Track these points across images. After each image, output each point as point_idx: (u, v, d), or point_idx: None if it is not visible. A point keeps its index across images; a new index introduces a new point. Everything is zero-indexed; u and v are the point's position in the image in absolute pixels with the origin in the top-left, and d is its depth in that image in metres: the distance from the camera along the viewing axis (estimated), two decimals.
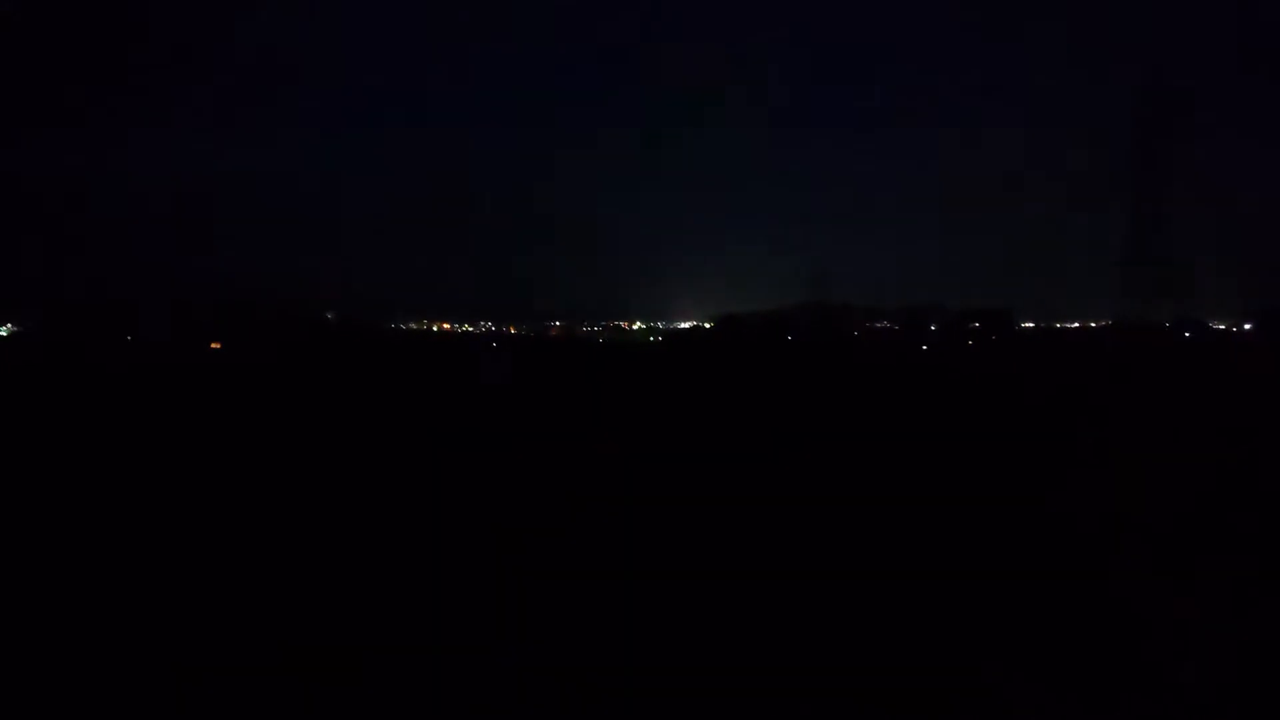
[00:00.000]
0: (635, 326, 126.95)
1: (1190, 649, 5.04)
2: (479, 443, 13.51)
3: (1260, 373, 31.11)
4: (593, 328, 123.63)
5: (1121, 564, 6.81)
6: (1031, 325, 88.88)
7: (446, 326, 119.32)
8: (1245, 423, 16.19)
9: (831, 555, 7.06)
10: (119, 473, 10.54)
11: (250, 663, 4.86)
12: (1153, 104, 66.59)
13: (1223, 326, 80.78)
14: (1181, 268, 65.21)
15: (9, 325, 72.72)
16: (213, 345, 56.82)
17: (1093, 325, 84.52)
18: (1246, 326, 78.52)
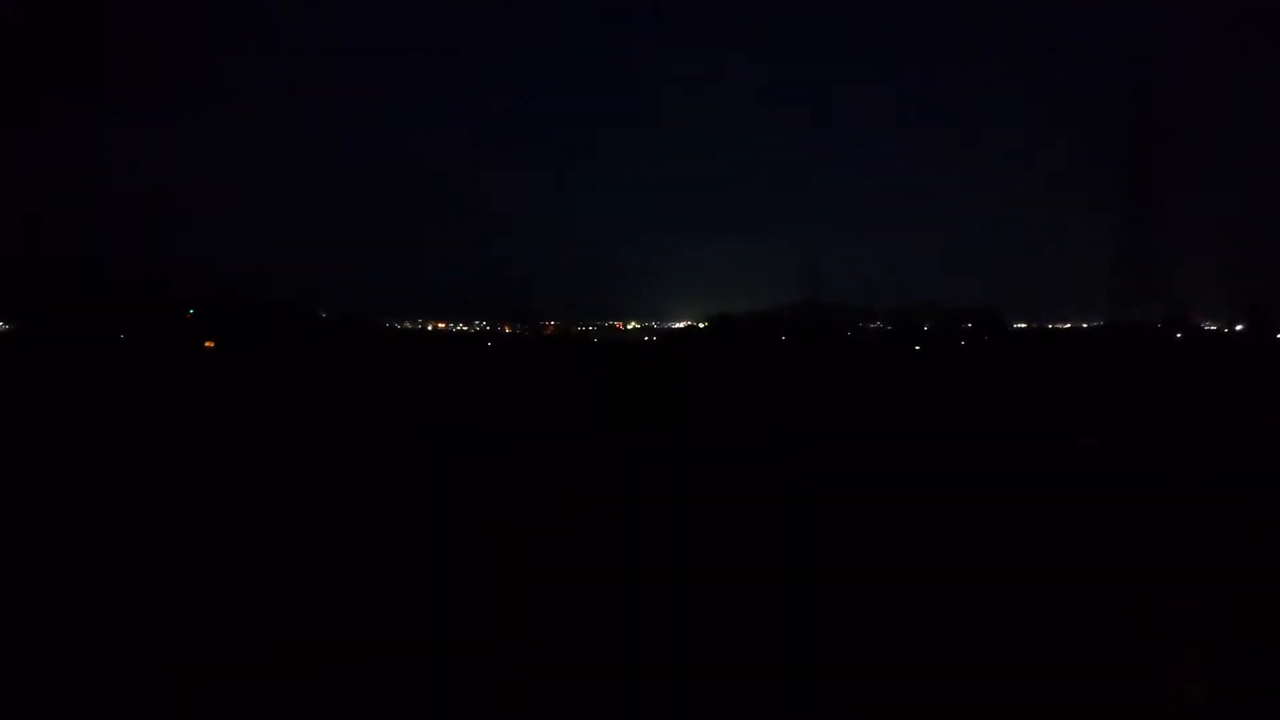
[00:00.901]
0: (630, 326, 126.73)
1: (1189, 649, 5.08)
2: (478, 442, 13.49)
3: (1252, 372, 31.32)
4: (587, 327, 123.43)
5: (1121, 564, 6.86)
6: (1024, 326, 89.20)
7: (441, 325, 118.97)
8: (1238, 421, 16.29)
9: (831, 555, 7.09)
10: (114, 472, 10.49)
11: (250, 663, 4.85)
12: (1145, 105, 67.09)
13: (1214, 327, 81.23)
14: (1173, 268, 65.73)
15: (1, 324, 72.12)
16: (206, 344, 56.50)
17: (1085, 326, 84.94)
18: (1239, 327, 78.96)
